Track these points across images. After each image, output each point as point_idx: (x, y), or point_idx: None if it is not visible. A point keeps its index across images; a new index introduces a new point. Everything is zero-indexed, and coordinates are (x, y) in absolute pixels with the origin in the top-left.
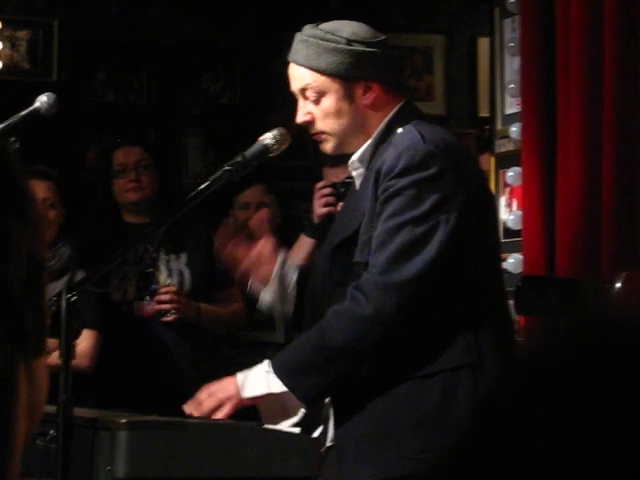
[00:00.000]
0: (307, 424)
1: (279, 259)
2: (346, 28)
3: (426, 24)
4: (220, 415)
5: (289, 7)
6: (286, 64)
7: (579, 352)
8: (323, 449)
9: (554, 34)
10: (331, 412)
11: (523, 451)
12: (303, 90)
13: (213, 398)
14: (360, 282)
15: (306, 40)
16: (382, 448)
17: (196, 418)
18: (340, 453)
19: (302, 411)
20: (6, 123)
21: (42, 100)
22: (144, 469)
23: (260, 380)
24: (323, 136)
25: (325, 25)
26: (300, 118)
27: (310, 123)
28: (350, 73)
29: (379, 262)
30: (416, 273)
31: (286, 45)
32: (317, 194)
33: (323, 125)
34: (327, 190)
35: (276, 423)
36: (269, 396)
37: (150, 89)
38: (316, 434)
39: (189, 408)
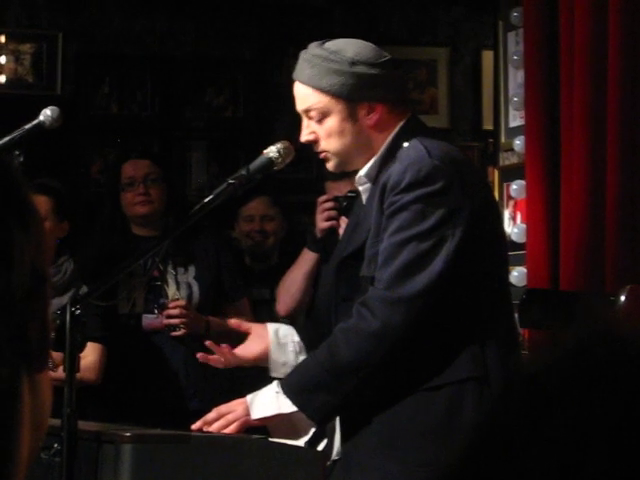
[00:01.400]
0: (312, 437)
1: (270, 333)
2: (351, 48)
3: (430, 37)
4: (228, 430)
5: (293, 20)
6: (289, 77)
7: (583, 366)
8: (329, 462)
9: (558, 47)
10: (337, 425)
11: (527, 466)
12: (307, 111)
13: (222, 419)
14: (366, 298)
15: (310, 59)
16: (388, 460)
17: (201, 432)
18: (347, 465)
19: (312, 430)
20: (10, 136)
21: (46, 113)
22: None
23: (270, 400)
24: (327, 155)
25: (330, 44)
26: (304, 137)
27: (314, 142)
28: (353, 94)
29: (385, 277)
30: (422, 288)
31: (290, 58)
32: (319, 208)
33: (326, 145)
34: (329, 204)
35: (286, 440)
36: (279, 416)
37: (154, 102)
38: (321, 447)
39: (197, 428)
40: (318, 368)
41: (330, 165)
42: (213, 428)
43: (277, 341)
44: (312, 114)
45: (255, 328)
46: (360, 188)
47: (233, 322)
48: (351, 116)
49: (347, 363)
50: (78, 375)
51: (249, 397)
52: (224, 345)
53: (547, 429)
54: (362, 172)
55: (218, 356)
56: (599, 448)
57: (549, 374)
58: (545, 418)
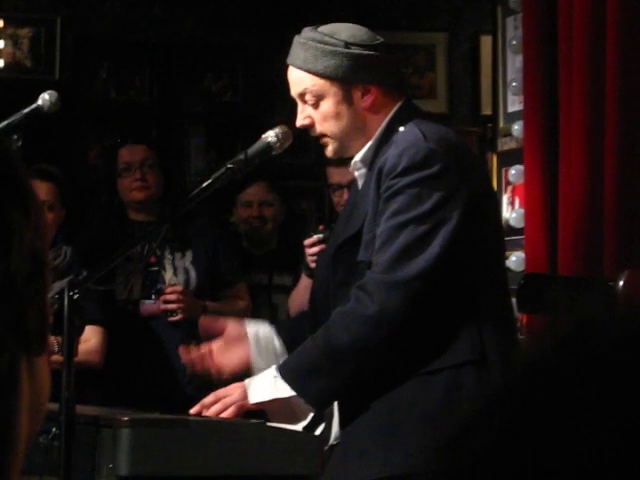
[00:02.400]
0: (310, 421)
1: (250, 338)
2: (344, 31)
3: (428, 22)
4: (225, 415)
5: (292, 5)
6: (287, 64)
7: (582, 350)
8: (327, 447)
9: (556, 32)
10: (335, 410)
11: (525, 450)
12: (302, 94)
13: (220, 403)
14: (363, 282)
15: (304, 43)
16: (387, 445)
17: (198, 416)
18: (346, 451)
19: (311, 414)
20: (8, 121)
21: (44, 98)
22: (146, 466)
23: (267, 385)
24: (324, 139)
25: (323, 28)
26: (299, 122)
27: (310, 127)
28: (348, 76)
29: (382, 261)
30: (420, 271)
31: (288, 43)
32: (306, 251)
33: (323, 128)
34: (315, 249)
35: (285, 424)
36: (277, 400)
37: (152, 87)
38: (318, 431)
39: (195, 412)
40: (316, 352)
41: (329, 150)
42: (210, 412)
43: (257, 347)
44: (307, 98)
45: (232, 329)
46: (356, 173)
47: (204, 321)
48: (346, 98)
49: (345, 347)
50: (82, 358)
51: (247, 381)
52: (208, 348)
53: (547, 414)
54: (357, 157)
55: (199, 357)
56: (601, 432)
57: (549, 358)
58: (545, 403)
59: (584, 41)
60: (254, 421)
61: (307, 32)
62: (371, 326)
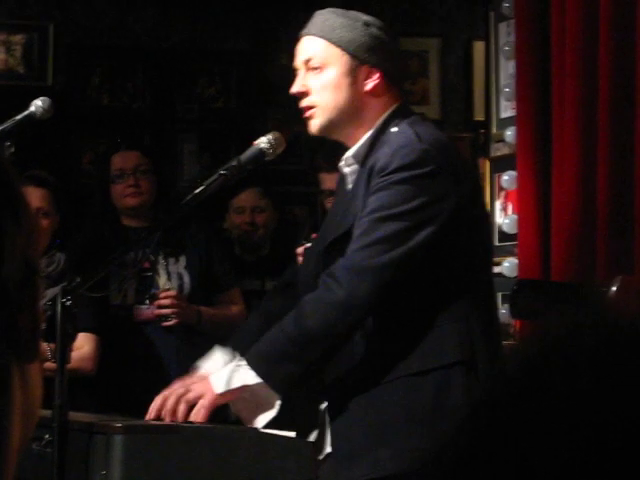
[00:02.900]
0: (303, 428)
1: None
2: (368, 16)
3: (421, 27)
4: (196, 419)
5: (285, 11)
6: (281, 68)
7: (574, 355)
8: (322, 456)
9: (549, 38)
10: (327, 416)
11: (514, 452)
12: (308, 60)
13: (183, 403)
14: (332, 269)
15: (325, 15)
16: (377, 446)
17: (192, 422)
18: (336, 452)
19: (278, 403)
20: (1, 128)
21: (37, 104)
22: (139, 473)
23: (233, 373)
24: (312, 111)
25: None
26: (294, 89)
27: (303, 94)
28: (360, 52)
29: (355, 248)
30: (392, 260)
31: (281, 49)
32: (298, 259)
33: (317, 98)
34: None
35: (253, 419)
36: (243, 391)
37: (145, 93)
38: (312, 438)
39: (154, 413)
40: (283, 338)
41: (315, 124)
42: (179, 413)
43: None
44: (313, 62)
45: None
46: (346, 169)
47: None
48: (351, 74)
49: (312, 333)
50: (75, 365)
51: (211, 375)
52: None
53: (537, 416)
54: (349, 153)
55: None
56: (588, 435)
57: (543, 359)
58: (535, 405)
59: (576, 47)
60: (247, 427)
61: (331, 8)
62: (338, 311)
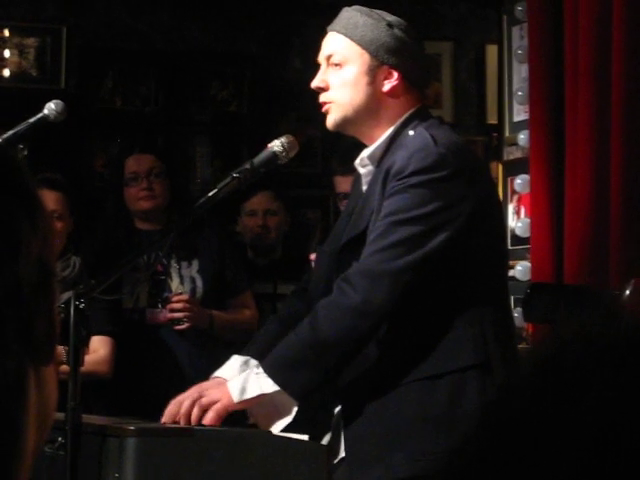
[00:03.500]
0: (316, 431)
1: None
2: (393, 17)
3: (434, 31)
4: (206, 421)
5: (298, 14)
6: (294, 72)
7: (587, 359)
8: (337, 460)
9: (562, 41)
10: (342, 419)
11: (529, 457)
12: (329, 56)
13: (197, 407)
14: (347, 273)
15: (350, 12)
16: (391, 449)
17: (205, 425)
18: (350, 456)
19: (295, 409)
20: (14, 130)
21: (50, 107)
22: (152, 476)
23: (251, 382)
24: (329, 106)
25: (376, 10)
26: (314, 83)
27: (322, 90)
28: (380, 53)
29: (371, 252)
30: (407, 264)
31: (294, 52)
32: (312, 265)
33: (336, 94)
34: None
35: (270, 425)
36: (261, 398)
37: (158, 96)
38: (324, 441)
39: (169, 418)
40: (299, 345)
41: (330, 119)
42: (194, 417)
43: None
44: (334, 59)
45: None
46: (362, 170)
47: None
48: (370, 73)
49: (328, 339)
50: (91, 369)
51: (230, 382)
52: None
53: (552, 421)
54: (365, 153)
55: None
56: (605, 440)
57: (556, 363)
58: (550, 411)
59: (590, 50)
60: (260, 430)
61: (357, 6)
62: (354, 317)
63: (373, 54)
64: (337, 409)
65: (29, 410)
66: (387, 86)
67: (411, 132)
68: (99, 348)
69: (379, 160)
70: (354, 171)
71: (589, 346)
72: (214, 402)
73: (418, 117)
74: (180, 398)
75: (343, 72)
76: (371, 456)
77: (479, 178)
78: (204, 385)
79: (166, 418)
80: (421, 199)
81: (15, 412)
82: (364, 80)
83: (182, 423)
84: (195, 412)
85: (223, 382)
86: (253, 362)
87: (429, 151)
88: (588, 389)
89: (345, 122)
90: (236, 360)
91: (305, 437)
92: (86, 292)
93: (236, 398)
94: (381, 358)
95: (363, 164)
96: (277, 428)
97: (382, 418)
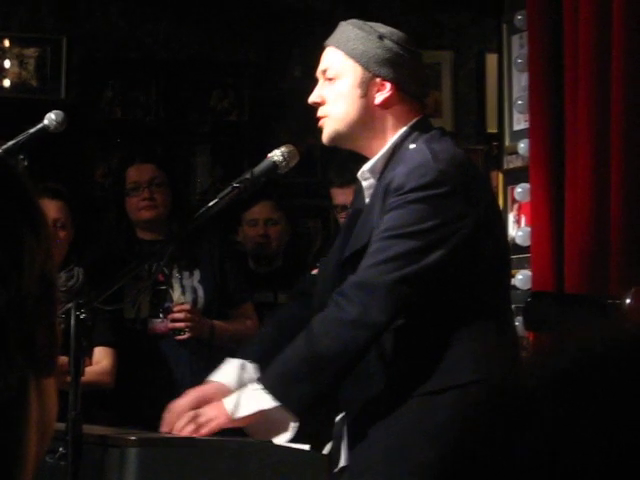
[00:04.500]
0: (316, 441)
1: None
2: (387, 28)
3: (434, 40)
4: (201, 433)
5: (297, 24)
6: (294, 81)
7: (588, 369)
8: (337, 469)
9: (562, 50)
10: (344, 431)
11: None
12: (324, 70)
13: (193, 423)
14: (343, 287)
15: (345, 26)
16: (393, 464)
17: (206, 435)
18: (353, 470)
19: (294, 425)
20: (14, 141)
21: (50, 118)
22: None
23: (250, 399)
24: (324, 120)
25: (371, 22)
26: (311, 98)
27: (318, 105)
28: (371, 65)
29: (367, 266)
30: (403, 277)
31: (294, 61)
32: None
33: (330, 108)
34: None
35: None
36: (259, 415)
37: (158, 106)
38: (325, 450)
39: (166, 428)
40: (297, 360)
41: (325, 134)
42: (185, 431)
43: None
44: (329, 73)
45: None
46: (364, 183)
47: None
48: (362, 86)
49: (326, 353)
50: (93, 379)
51: (227, 400)
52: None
53: (551, 432)
54: (366, 167)
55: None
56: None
57: (555, 377)
58: (549, 421)
59: (589, 59)
60: (261, 440)
61: (352, 20)
62: (351, 329)
63: (364, 66)
64: (337, 418)
65: (31, 421)
66: (379, 98)
67: (412, 145)
68: (102, 359)
69: (380, 173)
70: (351, 183)
71: (589, 356)
72: (210, 421)
73: (419, 129)
74: (178, 409)
75: (337, 86)
76: (373, 467)
77: (480, 192)
78: (200, 398)
79: (165, 427)
80: (419, 215)
81: (17, 423)
82: (356, 93)
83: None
84: (189, 429)
85: (220, 399)
86: (249, 366)
87: (428, 167)
88: (593, 401)
89: (339, 136)
90: (231, 364)
91: (306, 447)
92: (87, 302)
93: (234, 415)
94: (383, 373)
95: (364, 177)
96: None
97: (385, 433)
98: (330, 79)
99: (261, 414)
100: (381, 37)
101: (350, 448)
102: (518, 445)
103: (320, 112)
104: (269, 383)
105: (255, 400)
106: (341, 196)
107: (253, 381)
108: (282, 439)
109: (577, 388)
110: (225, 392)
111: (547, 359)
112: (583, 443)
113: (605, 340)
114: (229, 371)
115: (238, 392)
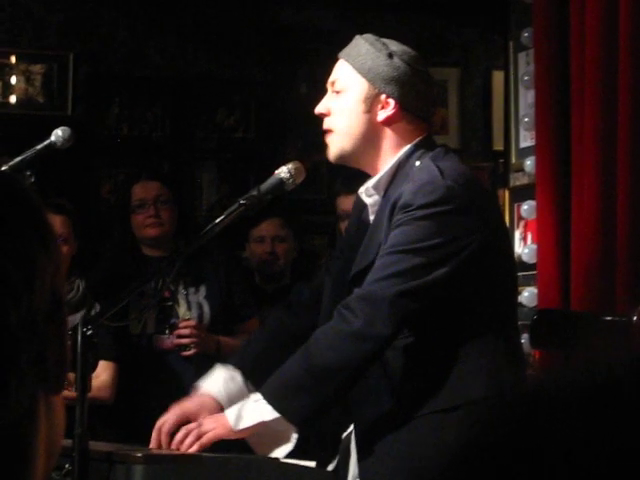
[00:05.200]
0: (322, 457)
1: (220, 387)
2: (400, 46)
3: (440, 57)
4: (195, 448)
5: (304, 42)
6: (300, 98)
7: (594, 388)
8: None
9: (568, 68)
10: (353, 449)
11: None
12: (333, 82)
13: (192, 435)
14: (347, 300)
15: (357, 41)
16: (402, 477)
17: (211, 452)
18: None
19: (295, 437)
20: (21, 157)
21: (57, 134)
22: None
23: (251, 410)
24: (329, 136)
25: (385, 39)
26: (317, 109)
27: (324, 116)
28: (377, 81)
29: (372, 279)
30: (407, 290)
31: (301, 79)
32: None
33: (334, 122)
34: None
35: (269, 453)
36: (260, 425)
37: (164, 122)
38: (331, 467)
39: (154, 443)
40: (299, 371)
41: (330, 152)
42: (184, 446)
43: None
44: (337, 85)
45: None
46: (368, 200)
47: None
48: (367, 101)
49: (329, 365)
50: (92, 394)
51: (228, 411)
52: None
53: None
54: (370, 183)
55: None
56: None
57: (561, 396)
58: (556, 439)
59: (596, 76)
60: (266, 457)
61: (367, 35)
62: (355, 341)
63: (370, 82)
64: (345, 434)
65: (40, 438)
66: (382, 115)
67: (417, 163)
68: (101, 373)
69: (385, 190)
70: (356, 190)
71: (596, 379)
72: (209, 432)
73: (423, 147)
74: (165, 428)
75: (342, 98)
76: None
77: (487, 209)
78: (185, 415)
79: (153, 444)
80: (426, 232)
81: (27, 440)
82: (360, 108)
83: (173, 447)
84: (189, 441)
85: (220, 411)
86: (239, 378)
87: (436, 185)
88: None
89: (344, 154)
90: (220, 373)
91: (312, 464)
92: (94, 318)
93: (236, 427)
94: (393, 391)
95: (369, 194)
96: (277, 455)
97: (396, 451)
98: (337, 91)
99: (262, 425)
100: (391, 55)
101: (360, 465)
102: (550, 459)
103: (325, 124)
104: (270, 394)
105: (256, 412)
106: (346, 203)
107: (240, 392)
108: (283, 450)
109: (613, 405)
110: (210, 406)
111: (577, 375)
112: (621, 459)
113: (614, 360)
114: (218, 381)
115: (240, 404)
